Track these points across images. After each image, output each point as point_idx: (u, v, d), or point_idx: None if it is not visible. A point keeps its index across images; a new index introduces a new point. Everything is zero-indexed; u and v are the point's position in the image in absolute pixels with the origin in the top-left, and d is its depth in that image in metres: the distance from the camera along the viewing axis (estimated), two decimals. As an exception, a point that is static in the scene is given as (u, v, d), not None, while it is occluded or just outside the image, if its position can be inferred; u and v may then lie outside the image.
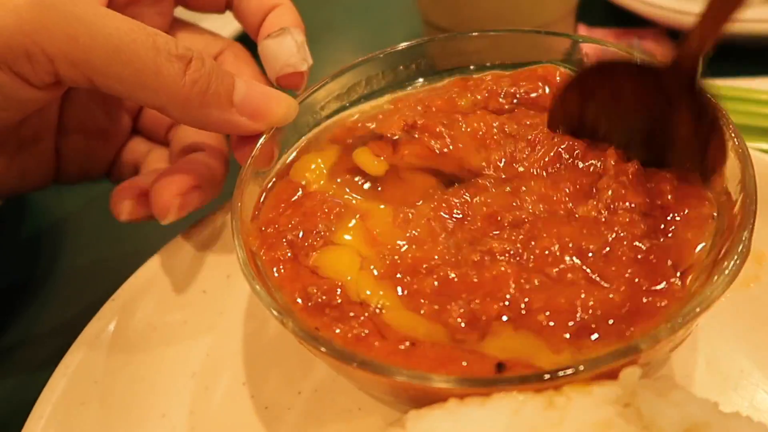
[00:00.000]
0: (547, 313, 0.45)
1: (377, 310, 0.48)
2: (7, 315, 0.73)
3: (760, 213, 0.47)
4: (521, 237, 0.50)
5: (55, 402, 0.54)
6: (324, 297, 0.49)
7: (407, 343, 0.45)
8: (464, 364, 0.44)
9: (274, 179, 0.59)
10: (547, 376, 0.40)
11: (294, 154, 0.61)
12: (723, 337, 0.56)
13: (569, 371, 0.40)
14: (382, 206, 0.55)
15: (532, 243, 0.49)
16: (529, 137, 0.56)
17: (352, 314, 0.48)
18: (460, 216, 0.53)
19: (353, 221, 0.54)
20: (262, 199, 0.57)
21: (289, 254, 0.52)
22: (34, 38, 0.47)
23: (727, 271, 0.43)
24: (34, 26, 0.47)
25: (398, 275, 0.49)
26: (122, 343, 0.58)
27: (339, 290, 0.49)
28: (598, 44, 0.61)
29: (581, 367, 0.40)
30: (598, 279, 0.47)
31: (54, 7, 0.47)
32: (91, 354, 0.57)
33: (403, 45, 0.65)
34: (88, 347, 0.57)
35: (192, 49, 0.52)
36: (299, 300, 0.49)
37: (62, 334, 0.58)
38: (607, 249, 0.48)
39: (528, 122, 0.58)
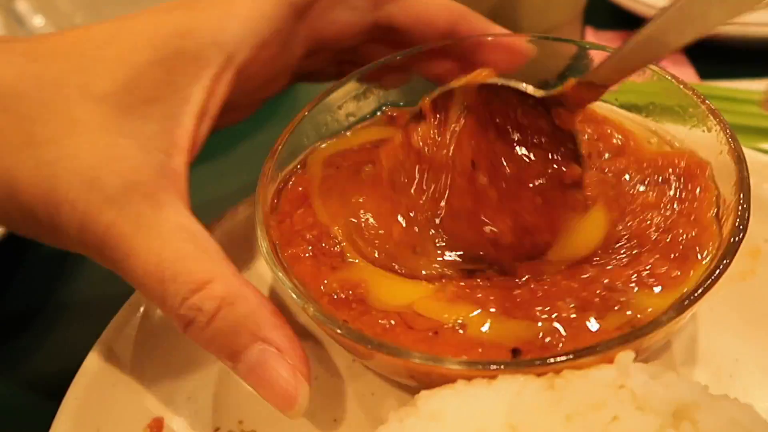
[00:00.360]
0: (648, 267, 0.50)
1: (458, 329, 0.48)
2: (43, 305, 0.77)
3: (755, 210, 0.49)
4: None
5: (88, 384, 0.57)
6: (350, 293, 0.51)
7: (431, 333, 0.48)
8: (480, 350, 0.46)
9: (290, 171, 0.61)
10: (551, 361, 0.42)
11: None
12: (720, 328, 0.58)
13: (570, 356, 0.42)
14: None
15: None
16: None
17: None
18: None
19: None
20: (279, 191, 0.59)
21: (310, 249, 0.54)
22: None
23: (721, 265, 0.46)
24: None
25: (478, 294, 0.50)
26: (150, 330, 0.61)
27: (362, 290, 0.51)
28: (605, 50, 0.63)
29: (583, 353, 0.42)
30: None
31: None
32: (120, 341, 0.60)
33: (421, 48, 0.67)
34: (118, 334, 0.60)
35: (201, 308, 0.48)
36: (325, 294, 0.51)
37: (94, 323, 0.61)
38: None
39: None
